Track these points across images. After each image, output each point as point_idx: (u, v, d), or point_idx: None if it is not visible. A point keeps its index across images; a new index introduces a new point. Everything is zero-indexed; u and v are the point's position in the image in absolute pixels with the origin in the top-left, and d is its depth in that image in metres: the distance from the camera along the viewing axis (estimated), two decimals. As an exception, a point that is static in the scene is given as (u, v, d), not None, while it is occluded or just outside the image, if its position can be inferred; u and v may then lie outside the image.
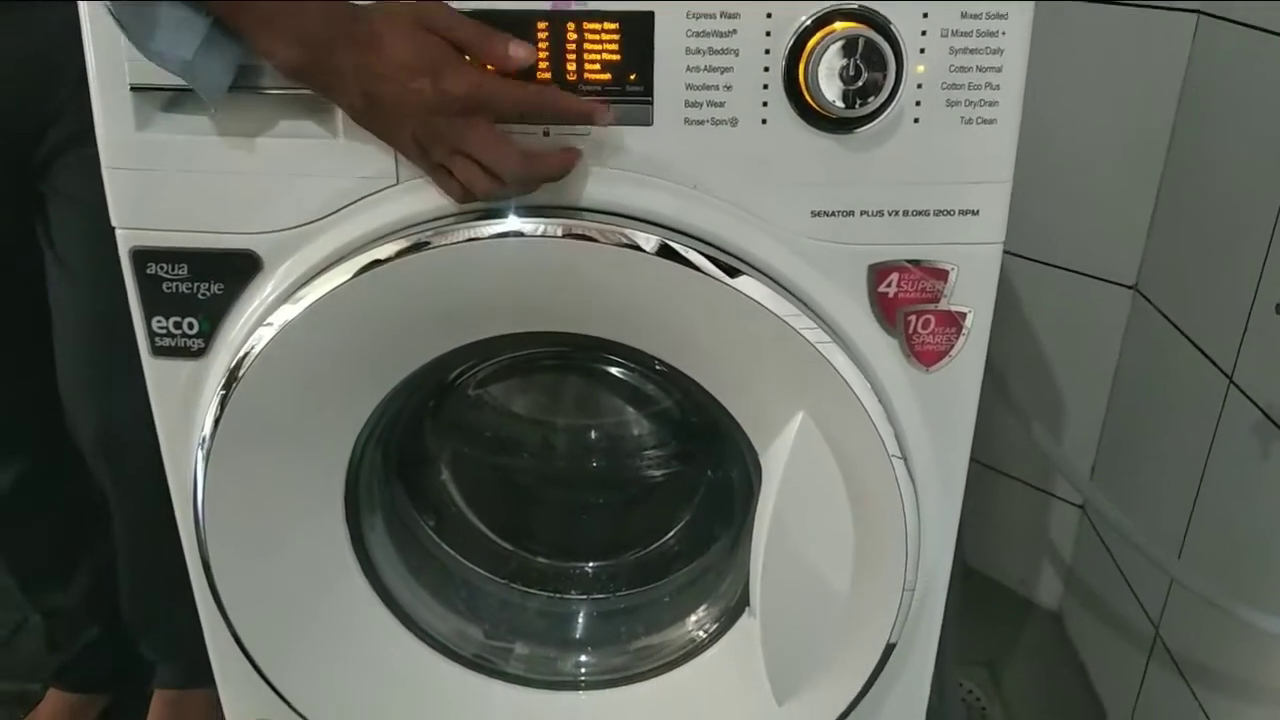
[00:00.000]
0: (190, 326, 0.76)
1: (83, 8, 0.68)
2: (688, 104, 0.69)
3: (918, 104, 0.69)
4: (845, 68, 0.66)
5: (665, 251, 0.70)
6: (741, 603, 0.87)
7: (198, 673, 0.97)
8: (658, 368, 0.81)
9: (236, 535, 0.79)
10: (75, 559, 1.20)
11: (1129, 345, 1.35)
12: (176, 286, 0.74)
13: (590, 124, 0.68)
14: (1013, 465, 1.54)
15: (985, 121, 0.70)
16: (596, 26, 0.67)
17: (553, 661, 0.96)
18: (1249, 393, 1.06)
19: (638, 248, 0.69)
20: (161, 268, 0.74)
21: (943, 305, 0.75)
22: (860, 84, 0.67)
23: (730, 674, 0.88)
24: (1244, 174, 1.09)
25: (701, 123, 0.69)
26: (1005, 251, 0.75)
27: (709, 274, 0.70)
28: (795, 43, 0.67)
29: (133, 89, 0.69)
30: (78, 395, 1.02)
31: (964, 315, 0.75)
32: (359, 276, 0.70)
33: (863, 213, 0.72)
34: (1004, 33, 0.68)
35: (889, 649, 0.81)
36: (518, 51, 0.65)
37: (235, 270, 0.74)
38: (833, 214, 0.72)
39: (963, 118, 0.70)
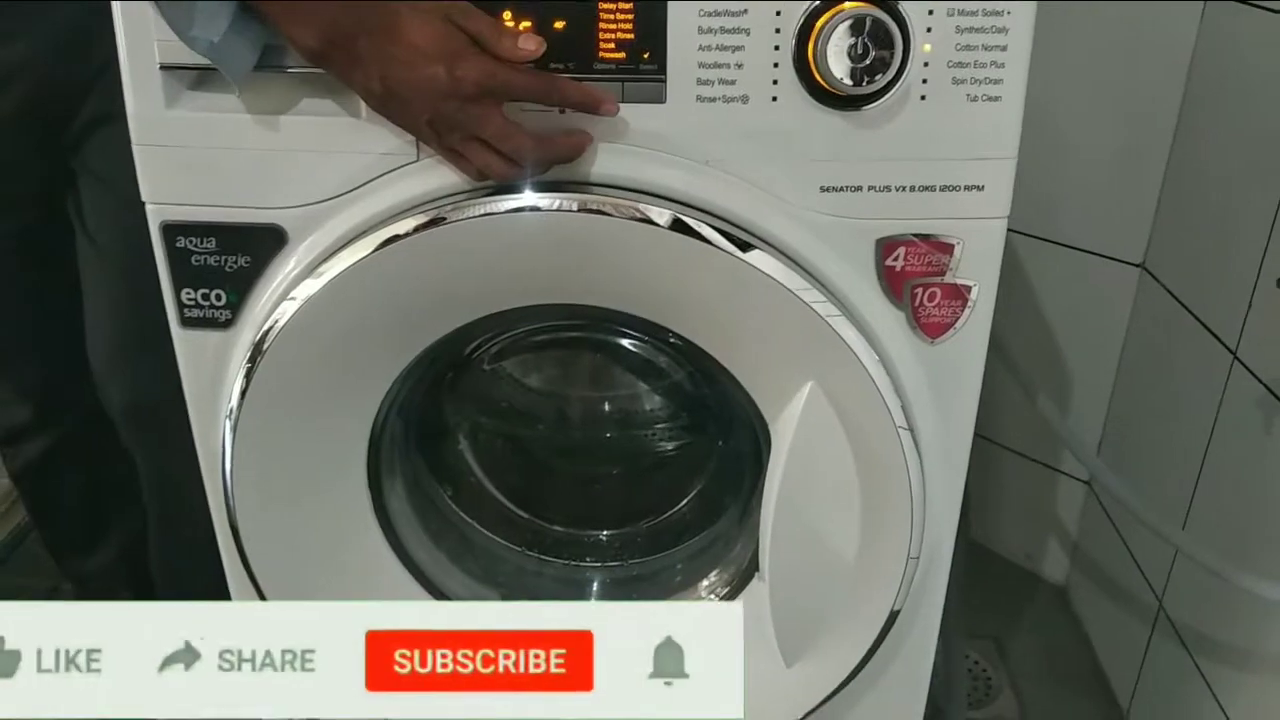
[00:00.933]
0: (218, 298, 0.77)
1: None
2: (700, 82, 0.70)
3: (924, 81, 0.70)
4: (853, 46, 0.67)
5: (678, 226, 0.71)
6: (751, 568, 0.89)
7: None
8: (670, 340, 0.83)
9: (263, 501, 0.81)
10: (106, 527, 1.22)
11: (1135, 323, 1.36)
12: (205, 259, 0.76)
13: (596, 114, 0.69)
14: (1020, 442, 1.55)
15: (990, 99, 0.71)
16: (611, 7, 0.69)
17: (567, 628, 0.98)
18: (1252, 368, 1.07)
19: (651, 222, 0.71)
20: (191, 241, 0.76)
21: (948, 278, 0.76)
22: (868, 62, 0.68)
23: (740, 637, 0.90)
24: (1250, 153, 1.10)
25: (713, 100, 0.71)
26: (1014, 230, 0.75)
27: (721, 248, 0.71)
28: (805, 22, 0.68)
29: (162, 68, 0.71)
30: (108, 367, 1.04)
31: (969, 288, 0.77)
32: (378, 251, 0.72)
33: (870, 188, 0.73)
34: (1010, 12, 0.69)
35: (894, 615, 0.82)
36: (527, 44, 0.67)
37: (261, 244, 0.76)
38: (841, 189, 0.73)
39: (968, 95, 0.71)
